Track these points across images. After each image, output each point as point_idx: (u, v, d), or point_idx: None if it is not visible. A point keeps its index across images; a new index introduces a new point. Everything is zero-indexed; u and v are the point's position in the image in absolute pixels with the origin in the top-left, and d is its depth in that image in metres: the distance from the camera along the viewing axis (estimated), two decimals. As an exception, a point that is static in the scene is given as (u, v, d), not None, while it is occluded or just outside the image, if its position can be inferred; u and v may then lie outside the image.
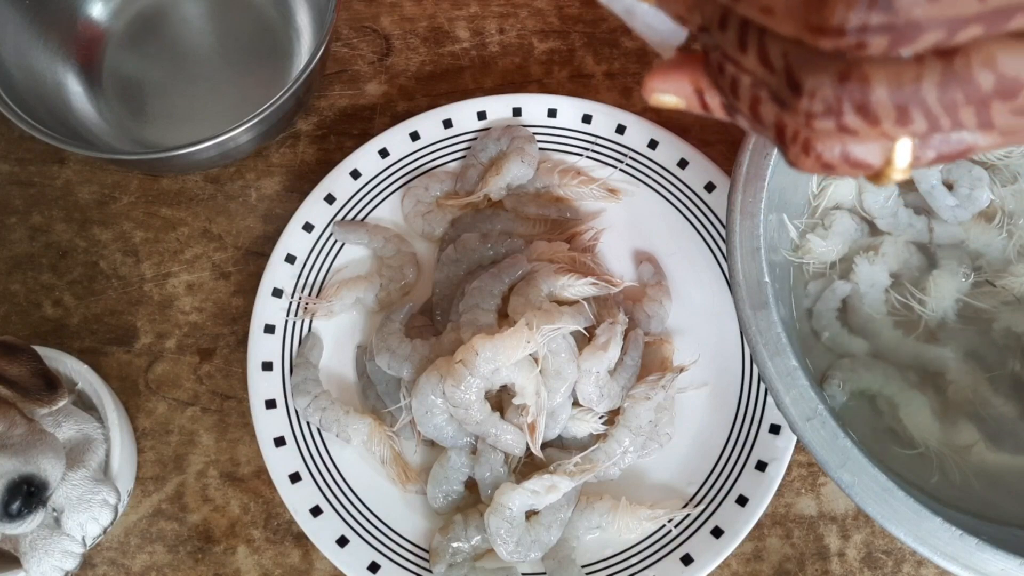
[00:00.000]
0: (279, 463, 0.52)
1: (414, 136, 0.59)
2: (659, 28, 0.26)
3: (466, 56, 0.65)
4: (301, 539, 0.53)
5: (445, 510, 0.52)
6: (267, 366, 0.54)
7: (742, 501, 0.51)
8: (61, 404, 0.46)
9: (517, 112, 0.60)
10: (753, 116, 0.21)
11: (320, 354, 0.56)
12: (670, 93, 0.24)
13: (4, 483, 0.41)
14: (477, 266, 0.56)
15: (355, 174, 0.59)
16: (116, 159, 0.57)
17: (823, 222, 0.52)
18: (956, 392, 0.49)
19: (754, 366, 0.52)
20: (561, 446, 0.53)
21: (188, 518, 0.54)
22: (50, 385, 0.45)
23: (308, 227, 0.57)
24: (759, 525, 0.53)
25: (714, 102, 0.23)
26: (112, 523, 0.48)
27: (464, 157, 0.60)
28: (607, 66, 0.64)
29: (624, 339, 0.53)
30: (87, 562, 0.53)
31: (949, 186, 0.53)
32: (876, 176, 0.20)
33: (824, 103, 0.18)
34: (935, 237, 0.53)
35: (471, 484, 0.52)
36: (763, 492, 0.50)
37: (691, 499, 0.52)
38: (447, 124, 0.60)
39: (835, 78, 0.17)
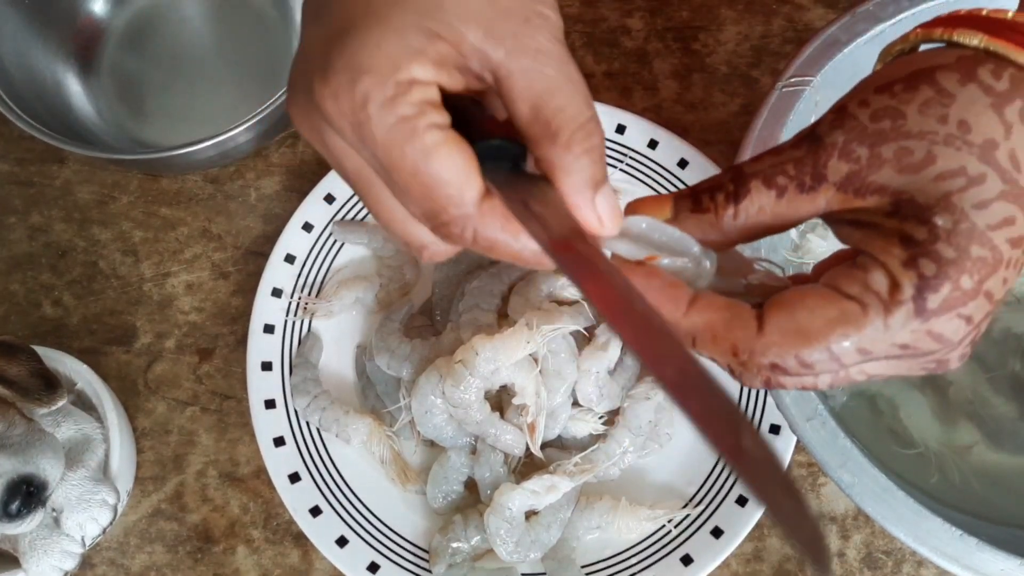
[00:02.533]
0: (279, 463, 0.52)
1: (414, 136, 0.59)
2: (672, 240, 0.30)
3: (466, 56, 0.65)
4: (301, 539, 0.53)
5: (445, 510, 0.52)
6: (267, 366, 0.54)
7: (742, 501, 0.51)
8: (60, 404, 0.46)
9: (517, 112, 0.60)
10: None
11: (320, 354, 0.56)
12: None
13: (4, 483, 0.41)
14: (477, 266, 0.56)
15: (355, 174, 0.58)
16: (116, 159, 0.57)
17: (823, 222, 0.52)
18: (956, 392, 0.49)
19: (754, 366, 0.52)
20: (561, 446, 0.53)
21: (187, 518, 0.54)
22: (49, 385, 0.45)
23: (308, 227, 0.57)
24: (759, 525, 0.52)
25: None
26: (111, 523, 0.48)
27: (464, 157, 0.60)
28: (607, 66, 0.64)
29: (624, 339, 0.53)
30: (86, 562, 0.53)
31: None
32: None
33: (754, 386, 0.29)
34: (935, 237, 0.52)
35: (471, 484, 0.52)
36: (763, 492, 0.50)
37: (691, 499, 0.52)
38: (447, 124, 0.60)
39: (763, 383, 0.29)
